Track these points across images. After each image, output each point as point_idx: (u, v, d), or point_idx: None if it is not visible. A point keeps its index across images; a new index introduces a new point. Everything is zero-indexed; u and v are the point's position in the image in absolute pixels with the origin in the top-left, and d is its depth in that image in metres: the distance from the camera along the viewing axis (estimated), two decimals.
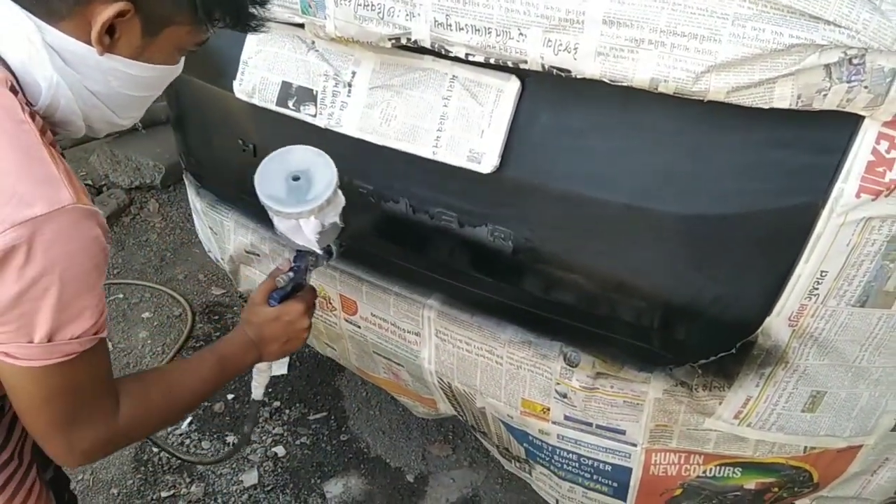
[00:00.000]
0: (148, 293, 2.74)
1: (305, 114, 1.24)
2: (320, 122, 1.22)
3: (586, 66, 0.94)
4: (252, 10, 0.87)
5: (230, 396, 2.28)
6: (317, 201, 1.02)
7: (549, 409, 1.26)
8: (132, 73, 0.83)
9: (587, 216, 1.03)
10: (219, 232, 1.67)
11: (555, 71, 0.98)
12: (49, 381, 0.79)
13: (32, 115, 0.77)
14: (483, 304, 1.26)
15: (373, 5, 1.07)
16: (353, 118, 1.19)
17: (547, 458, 1.38)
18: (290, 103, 1.26)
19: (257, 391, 1.25)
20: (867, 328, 1.02)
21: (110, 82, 0.83)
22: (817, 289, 0.98)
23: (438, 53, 1.07)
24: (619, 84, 0.94)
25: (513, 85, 1.05)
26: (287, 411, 2.25)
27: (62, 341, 0.77)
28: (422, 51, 1.10)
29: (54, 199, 0.72)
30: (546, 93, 1.04)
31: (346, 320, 1.48)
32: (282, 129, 1.31)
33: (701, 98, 0.90)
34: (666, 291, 1.04)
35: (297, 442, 2.15)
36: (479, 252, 1.16)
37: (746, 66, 0.86)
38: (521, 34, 0.97)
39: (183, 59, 0.92)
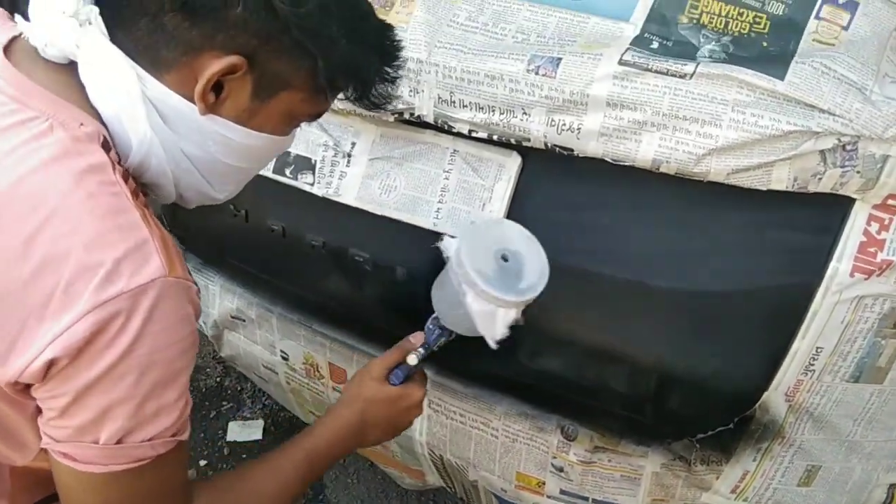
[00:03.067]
0: None
1: (303, 182, 1.24)
2: (318, 190, 1.22)
3: (589, 146, 0.97)
4: (380, 86, 0.79)
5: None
6: (531, 294, 0.91)
7: (544, 483, 1.24)
8: (234, 138, 0.74)
9: (587, 290, 1.05)
10: (203, 296, 1.64)
11: (557, 149, 1.00)
12: (110, 492, 0.67)
13: (125, 176, 0.69)
14: (478, 376, 1.25)
15: None
16: (352, 188, 1.20)
17: None
18: (288, 171, 1.26)
19: None
20: (860, 403, 1.04)
21: (209, 146, 0.74)
22: (813, 364, 1.00)
23: (440, 128, 1.09)
24: (622, 163, 0.97)
25: (514, 160, 1.07)
26: None
27: (133, 444, 0.65)
28: (423, 125, 1.12)
29: (143, 272, 0.63)
30: (547, 168, 1.06)
31: (335, 389, 1.45)
32: (276, 196, 1.30)
33: (702, 178, 0.93)
34: (665, 366, 1.05)
35: None
36: None
37: (746, 150, 0.89)
38: (524, 113, 1.00)
39: (295, 132, 0.82)
